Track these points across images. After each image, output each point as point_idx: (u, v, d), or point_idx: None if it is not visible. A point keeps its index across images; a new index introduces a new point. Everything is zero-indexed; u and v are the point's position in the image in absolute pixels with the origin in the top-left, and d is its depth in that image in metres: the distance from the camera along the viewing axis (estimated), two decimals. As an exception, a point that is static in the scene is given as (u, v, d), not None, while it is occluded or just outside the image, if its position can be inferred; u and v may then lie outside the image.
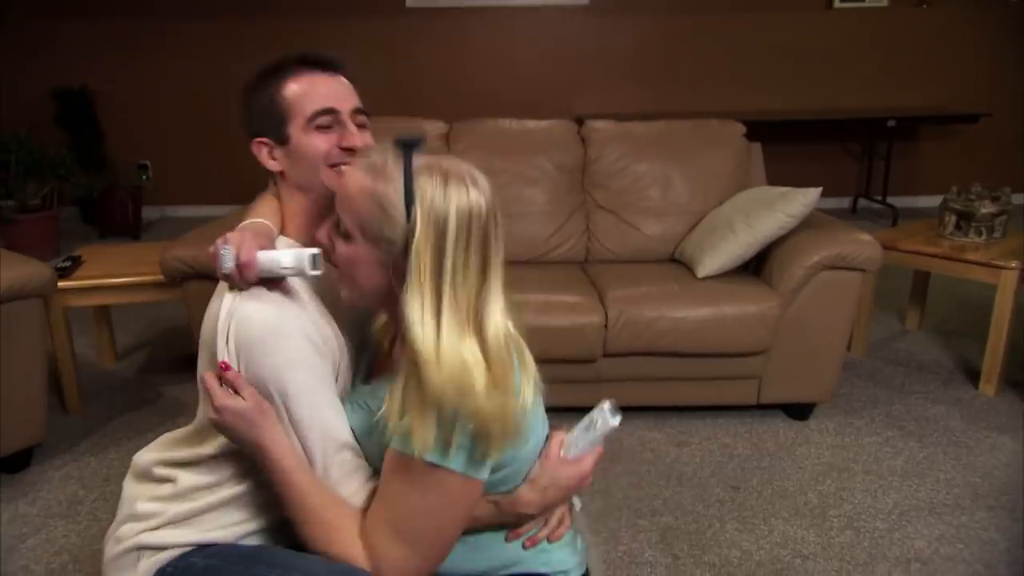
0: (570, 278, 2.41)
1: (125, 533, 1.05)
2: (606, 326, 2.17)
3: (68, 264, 2.51)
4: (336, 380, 1.01)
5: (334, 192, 0.98)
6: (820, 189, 2.23)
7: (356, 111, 1.04)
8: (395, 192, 0.85)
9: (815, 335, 2.24)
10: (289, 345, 0.93)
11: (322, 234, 0.96)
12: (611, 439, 2.25)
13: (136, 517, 1.06)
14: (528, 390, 0.92)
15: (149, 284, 2.42)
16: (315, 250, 0.96)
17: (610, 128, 2.70)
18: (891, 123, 4.54)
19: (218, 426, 0.95)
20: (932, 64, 4.89)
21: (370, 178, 0.87)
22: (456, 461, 0.86)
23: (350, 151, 1.02)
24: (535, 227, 2.60)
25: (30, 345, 2.03)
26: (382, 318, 1.07)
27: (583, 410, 1.02)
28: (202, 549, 1.02)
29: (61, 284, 2.29)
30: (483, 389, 0.84)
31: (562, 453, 1.00)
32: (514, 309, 0.94)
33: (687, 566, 1.74)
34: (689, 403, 2.37)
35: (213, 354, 0.96)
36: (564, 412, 2.32)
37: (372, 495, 0.95)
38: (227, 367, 0.93)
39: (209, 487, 1.03)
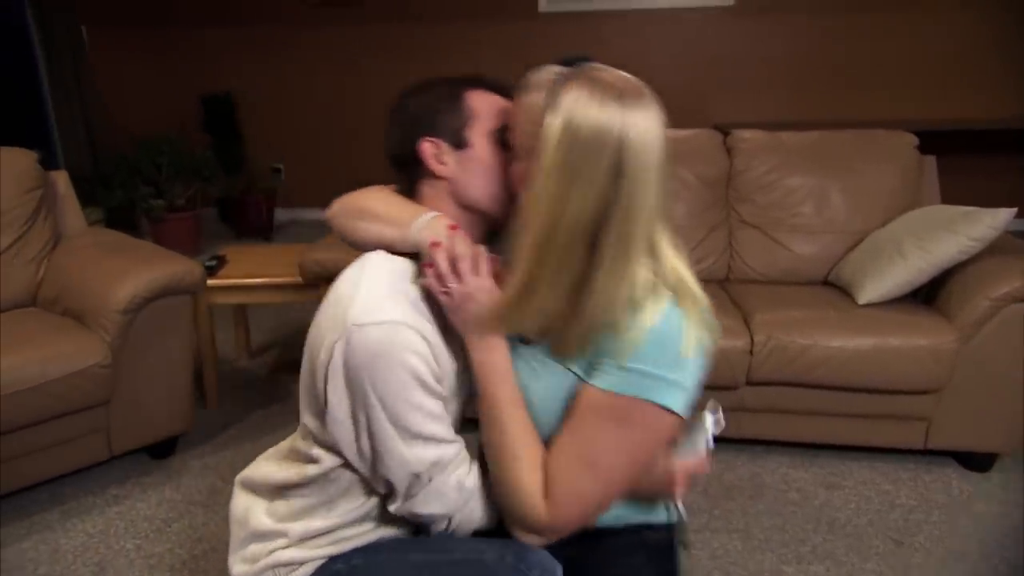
0: (711, 297, 2.23)
1: (255, 553, 1.04)
2: (751, 352, 2.00)
3: (214, 263, 2.62)
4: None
5: (499, 212, 0.96)
6: (1014, 210, 1.96)
7: None
8: (541, 101, 0.82)
9: (1000, 376, 1.97)
10: (400, 372, 0.87)
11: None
12: (752, 474, 2.07)
13: (259, 537, 1.04)
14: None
15: (287, 285, 2.47)
16: None
17: (759, 138, 2.51)
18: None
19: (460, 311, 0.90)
20: None
21: (528, 92, 0.85)
22: (667, 396, 0.85)
23: None
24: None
25: (180, 339, 2.11)
26: None
27: (721, 440, 0.94)
28: (339, 556, 1.02)
29: (209, 282, 2.39)
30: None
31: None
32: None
33: (848, 629, 1.55)
34: (842, 442, 2.14)
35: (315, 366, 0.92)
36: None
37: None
38: (455, 228, 0.92)
39: (324, 504, 1.01)
